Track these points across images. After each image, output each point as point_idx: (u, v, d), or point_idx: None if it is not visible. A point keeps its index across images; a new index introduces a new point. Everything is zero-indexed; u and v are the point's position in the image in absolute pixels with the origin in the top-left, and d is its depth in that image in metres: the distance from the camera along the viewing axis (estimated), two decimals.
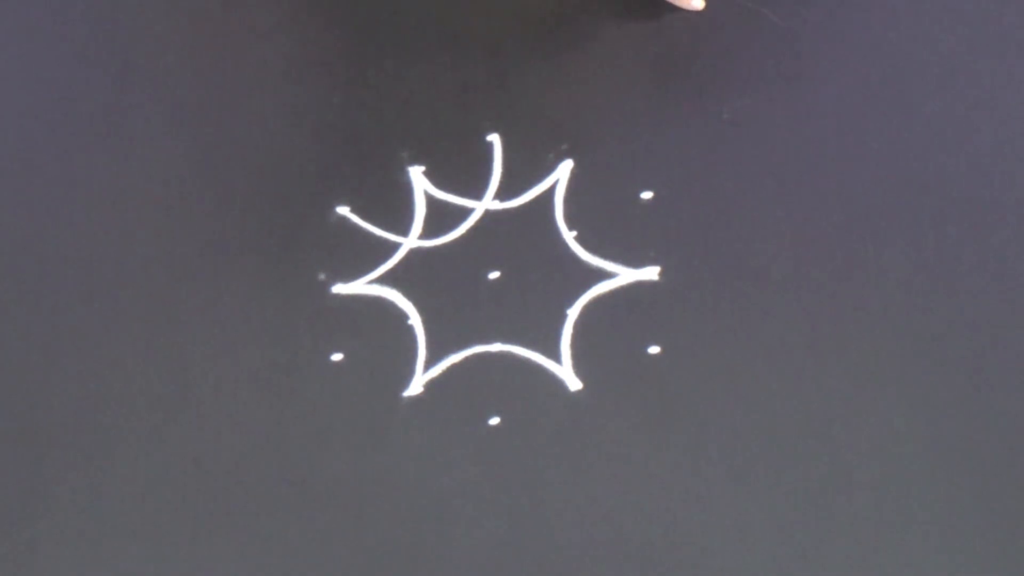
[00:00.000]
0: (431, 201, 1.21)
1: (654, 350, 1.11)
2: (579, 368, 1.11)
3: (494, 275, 1.16)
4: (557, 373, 1.11)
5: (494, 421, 1.09)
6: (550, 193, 1.19)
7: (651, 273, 1.15)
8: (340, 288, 1.17)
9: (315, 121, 1.27)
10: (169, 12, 1.35)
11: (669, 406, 1.08)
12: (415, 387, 1.12)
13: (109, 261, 1.21)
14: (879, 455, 1.04)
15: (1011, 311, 1.09)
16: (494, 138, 1.23)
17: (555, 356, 1.12)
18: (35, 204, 1.25)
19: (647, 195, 1.18)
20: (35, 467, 1.12)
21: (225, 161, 1.25)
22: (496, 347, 1.13)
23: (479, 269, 1.16)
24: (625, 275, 1.15)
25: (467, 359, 1.13)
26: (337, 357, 1.14)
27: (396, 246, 1.19)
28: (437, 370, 1.12)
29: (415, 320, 1.15)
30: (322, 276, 1.18)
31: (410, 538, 1.05)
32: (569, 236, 1.17)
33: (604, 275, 1.15)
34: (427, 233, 1.19)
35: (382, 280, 1.17)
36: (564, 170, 1.20)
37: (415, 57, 1.29)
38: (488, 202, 1.20)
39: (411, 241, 1.19)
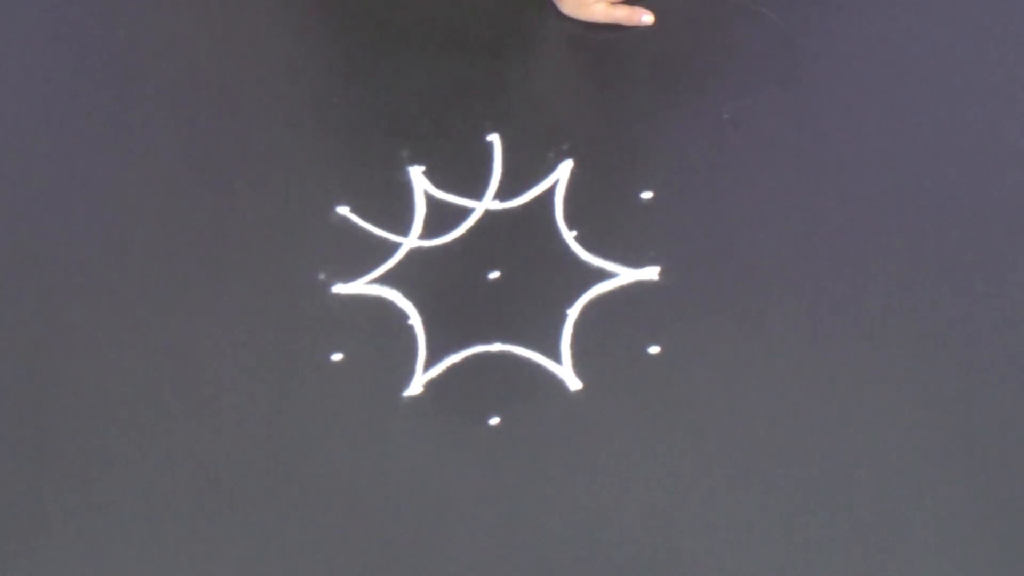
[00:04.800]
0: (431, 201, 1.21)
1: (654, 350, 1.11)
2: (579, 368, 1.11)
3: (494, 275, 1.16)
4: (557, 373, 1.11)
5: (494, 421, 1.09)
6: (550, 193, 1.19)
7: (651, 273, 1.14)
8: (340, 288, 1.17)
9: (315, 121, 1.27)
10: (169, 12, 1.35)
11: (669, 406, 1.08)
12: (415, 387, 1.12)
13: (109, 261, 1.21)
14: (879, 455, 1.04)
15: (1011, 311, 1.09)
16: (494, 138, 1.23)
17: (555, 356, 1.12)
18: (35, 204, 1.25)
19: (647, 195, 1.18)
20: (36, 467, 1.11)
21: (225, 161, 1.25)
22: (496, 347, 1.13)
23: (479, 269, 1.16)
24: (625, 275, 1.15)
25: (467, 359, 1.13)
26: (337, 357, 1.14)
27: (396, 246, 1.19)
28: (437, 370, 1.12)
29: (415, 320, 1.15)
30: (322, 276, 1.18)
31: (410, 538, 1.05)
32: (569, 236, 1.17)
33: (604, 275, 1.15)
34: (427, 233, 1.19)
35: (382, 280, 1.17)
36: (564, 170, 1.20)
37: (415, 57, 1.29)
38: (488, 202, 1.20)
39: (411, 241, 1.19)
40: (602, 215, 1.18)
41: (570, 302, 1.14)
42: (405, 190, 1.21)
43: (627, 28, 1.27)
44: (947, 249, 1.12)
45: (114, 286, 1.19)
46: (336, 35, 1.32)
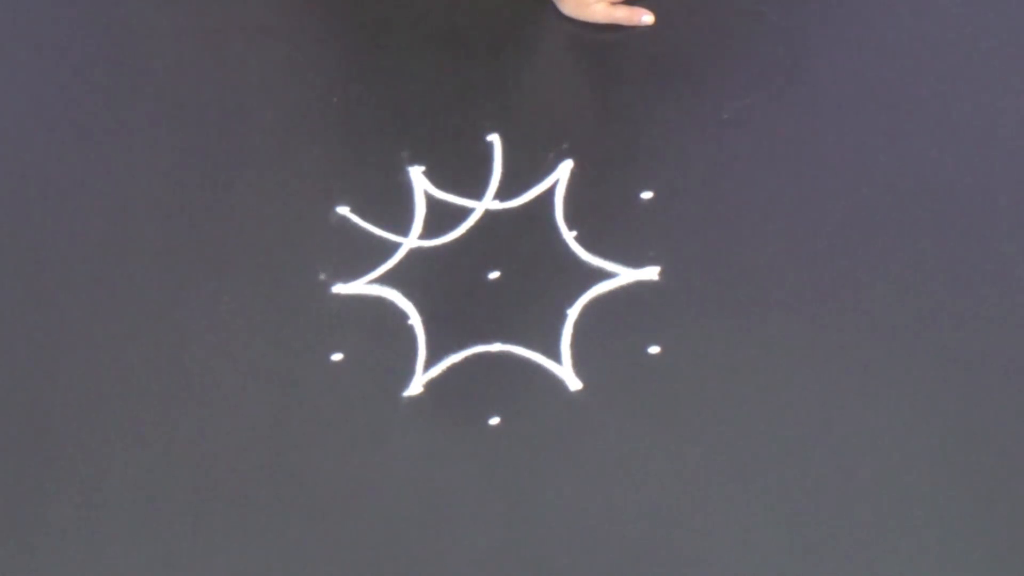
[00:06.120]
0: (431, 201, 1.21)
1: (654, 350, 1.11)
2: (579, 368, 1.11)
3: (494, 275, 1.16)
4: (557, 373, 1.11)
5: (494, 421, 1.09)
6: (550, 193, 1.19)
7: (651, 273, 1.14)
8: (340, 288, 1.17)
9: (315, 121, 1.27)
10: (169, 12, 1.35)
11: (669, 406, 1.08)
12: (415, 387, 1.12)
13: (109, 261, 1.21)
14: (879, 455, 1.04)
15: (1011, 311, 1.09)
16: (494, 138, 1.23)
17: (555, 356, 1.12)
18: (35, 204, 1.25)
19: (647, 195, 1.18)
20: (36, 467, 1.11)
21: (225, 161, 1.25)
22: (496, 347, 1.13)
23: (479, 269, 1.16)
24: (625, 275, 1.15)
25: (467, 359, 1.13)
26: (337, 357, 1.14)
27: (396, 246, 1.19)
28: (437, 370, 1.12)
29: (415, 320, 1.15)
30: (322, 276, 1.18)
31: (410, 538, 1.05)
32: (569, 236, 1.17)
33: (604, 275, 1.15)
34: (427, 233, 1.19)
35: (382, 280, 1.17)
36: (564, 170, 1.20)
37: (415, 57, 1.29)
38: (488, 202, 1.20)
39: (411, 241, 1.19)
40: (602, 215, 1.18)
41: (570, 302, 1.14)
42: (405, 190, 1.21)
43: (627, 28, 1.27)
44: (947, 249, 1.12)
45: (114, 286, 1.19)
46: (336, 35, 1.32)
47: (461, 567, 1.04)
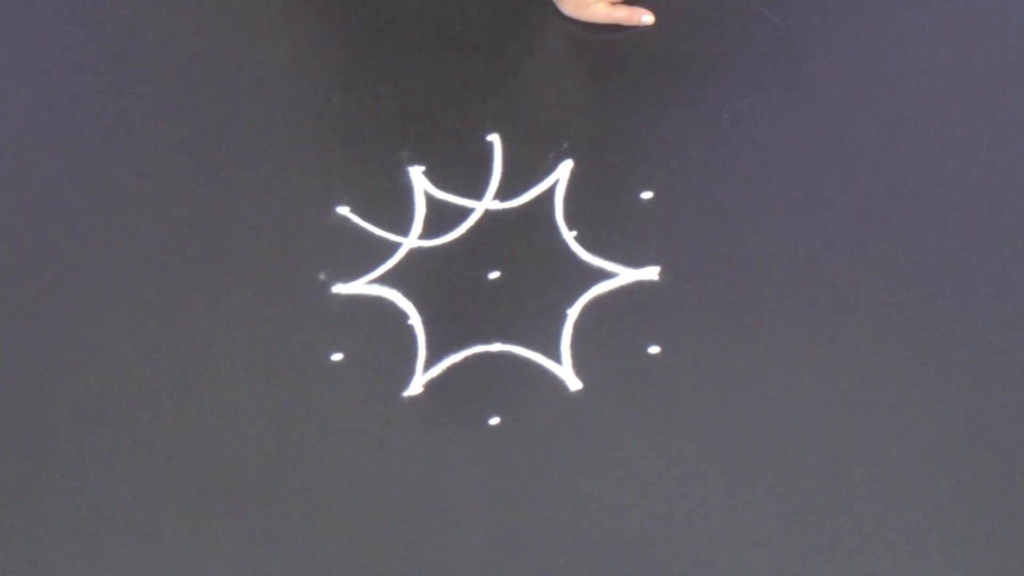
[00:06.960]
0: (431, 201, 1.21)
1: (654, 350, 1.11)
2: (579, 368, 1.11)
3: (494, 275, 1.16)
4: (557, 373, 1.11)
5: (494, 421, 1.09)
6: (550, 193, 1.19)
7: (651, 273, 1.15)
8: (340, 288, 1.17)
9: (315, 121, 1.27)
10: (169, 12, 1.35)
11: (669, 406, 1.08)
12: (415, 387, 1.12)
13: (109, 261, 1.21)
14: (879, 454, 1.04)
15: (1011, 311, 1.09)
16: (494, 138, 1.23)
17: (555, 356, 1.12)
18: (35, 204, 1.25)
19: (647, 195, 1.18)
20: (36, 466, 1.11)
21: (225, 161, 1.25)
22: (496, 347, 1.13)
23: (479, 269, 1.16)
24: (625, 275, 1.15)
25: (467, 359, 1.13)
26: (337, 357, 1.14)
27: (396, 246, 1.19)
28: (437, 370, 1.12)
29: (415, 320, 1.15)
30: (322, 276, 1.18)
31: (410, 538, 1.05)
32: (569, 236, 1.17)
33: (604, 275, 1.15)
34: (427, 233, 1.19)
35: (382, 280, 1.17)
36: (564, 170, 1.20)
37: (415, 57, 1.29)
38: (488, 202, 1.20)
39: (411, 241, 1.19)
40: (602, 215, 1.18)
41: (570, 302, 1.14)
42: (405, 190, 1.21)
43: (627, 28, 1.27)
44: (947, 249, 1.12)
45: (114, 286, 1.19)
46: (336, 35, 1.32)
47: (461, 567, 1.04)
